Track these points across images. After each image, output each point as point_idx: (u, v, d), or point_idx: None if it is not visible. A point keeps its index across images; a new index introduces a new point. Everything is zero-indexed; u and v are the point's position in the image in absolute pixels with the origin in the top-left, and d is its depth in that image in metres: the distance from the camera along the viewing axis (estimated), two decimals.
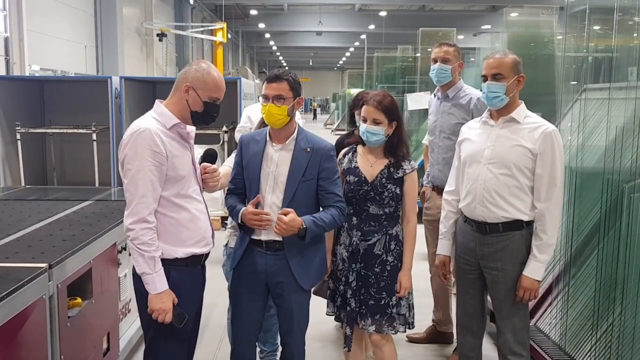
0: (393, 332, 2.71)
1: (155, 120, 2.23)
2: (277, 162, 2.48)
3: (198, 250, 2.31)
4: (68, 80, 8.19)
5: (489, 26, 21.34)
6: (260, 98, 2.51)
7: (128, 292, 3.30)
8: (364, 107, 2.71)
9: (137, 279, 2.24)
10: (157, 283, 2.17)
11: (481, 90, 2.69)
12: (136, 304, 2.35)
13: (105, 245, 2.86)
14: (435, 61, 3.53)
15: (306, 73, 47.55)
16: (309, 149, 2.48)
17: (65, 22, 11.35)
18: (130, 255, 3.33)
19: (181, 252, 2.25)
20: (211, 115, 2.31)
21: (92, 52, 12.80)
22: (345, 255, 2.72)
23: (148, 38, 16.38)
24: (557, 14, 6.49)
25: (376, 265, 2.68)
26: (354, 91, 19.14)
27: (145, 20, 15.99)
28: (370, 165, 2.72)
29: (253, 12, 23.68)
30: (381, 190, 2.66)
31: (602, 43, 3.67)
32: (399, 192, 2.67)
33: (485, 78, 2.59)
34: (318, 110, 46.04)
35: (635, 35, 3.33)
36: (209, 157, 2.56)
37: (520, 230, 2.57)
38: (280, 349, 3.42)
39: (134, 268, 2.27)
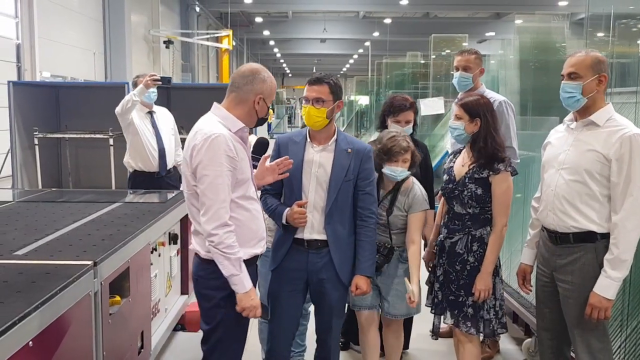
0: (466, 329, 2.75)
1: (222, 125, 2.27)
2: (320, 163, 2.54)
3: (259, 250, 2.39)
4: (83, 86, 8.27)
5: (493, 33, 21.46)
6: (302, 100, 2.58)
7: (157, 292, 3.35)
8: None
9: (201, 283, 2.31)
10: (245, 282, 2.24)
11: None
12: (199, 307, 2.41)
13: (140, 245, 2.90)
14: (457, 69, 3.60)
15: None
16: (350, 150, 2.55)
17: (75, 30, 11.45)
18: (159, 255, 3.40)
19: (246, 253, 2.31)
20: (267, 116, 2.41)
21: (100, 59, 12.90)
22: (436, 250, 2.90)
23: (155, 45, 16.50)
24: (569, 20, 6.57)
25: (457, 264, 2.76)
26: (360, 98, 19.24)
27: (152, 28, 16.11)
28: (462, 164, 2.80)
29: (258, 19, 23.83)
30: (462, 189, 2.73)
31: (621, 50, 3.73)
32: (480, 192, 2.69)
33: (562, 77, 2.49)
34: None
35: None
36: (261, 145, 2.62)
37: (594, 243, 2.41)
38: (306, 349, 3.48)
39: (195, 273, 2.37)
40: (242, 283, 2.23)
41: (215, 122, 2.28)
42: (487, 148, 2.69)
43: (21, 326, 1.71)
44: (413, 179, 2.89)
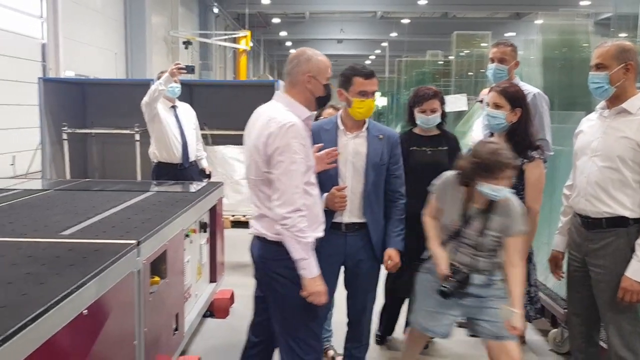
0: None
1: (292, 113, 2.33)
2: (355, 149, 2.64)
3: (320, 234, 2.43)
4: (108, 83, 8.44)
5: (513, 33, 21.32)
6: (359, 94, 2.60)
7: (189, 277, 3.43)
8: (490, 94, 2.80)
9: (270, 265, 2.36)
10: (313, 267, 2.27)
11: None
12: (274, 291, 2.40)
13: (176, 229, 2.99)
14: (493, 61, 3.62)
15: None
16: (381, 136, 2.65)
17: (97, 30, 11.67)
18: (191, 242, 3.49)
19: (312, 236, 2.34)
20: (330, 95, 2.46)
21: (122, 59, 13.12)
22: None
23: (174, 46, 16.71)
24: (593, 19, 6.57)
25: None
26: (377, 99, 19.24)
27: (171, 29, 16.33)
28: None
29: (275, 20, 23.98)
30: None
31: None
32: (514, 180, 2.60)
33: (591, 68, 2.54)
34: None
35: None
36: None
37: (627, 228, 2.45)
38: (333, 334, 3.54)
39: (262, 256, 2.39)
40: (310, 267, 2.26)
41: (285, 111, 2.34)
42: (527, 138, 2.73)
43: (78, 294, 1.80)
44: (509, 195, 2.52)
